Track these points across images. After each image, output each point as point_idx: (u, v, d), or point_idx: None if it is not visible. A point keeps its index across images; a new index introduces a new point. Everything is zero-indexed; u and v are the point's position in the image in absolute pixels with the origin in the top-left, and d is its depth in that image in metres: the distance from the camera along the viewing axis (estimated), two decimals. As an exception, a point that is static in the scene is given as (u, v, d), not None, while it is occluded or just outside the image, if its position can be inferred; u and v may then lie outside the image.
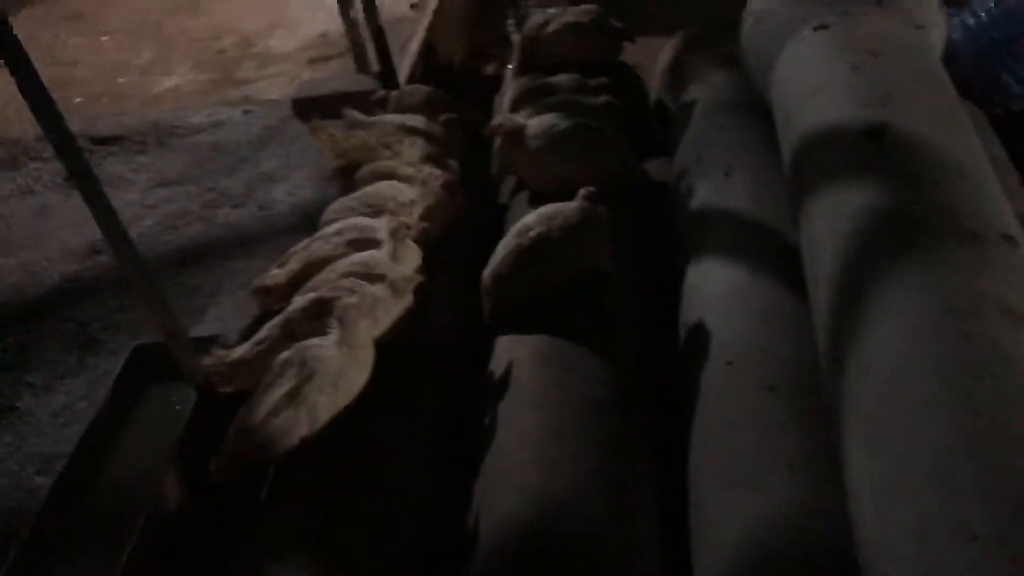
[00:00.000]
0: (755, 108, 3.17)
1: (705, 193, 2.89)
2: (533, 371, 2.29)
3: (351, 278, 2.34)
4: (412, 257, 2.44)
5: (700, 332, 2.42)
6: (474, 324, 2.63)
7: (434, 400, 2.41)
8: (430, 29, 4.72)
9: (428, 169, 2.78)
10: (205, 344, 2.41)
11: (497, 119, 3.00)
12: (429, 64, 4.57)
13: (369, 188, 2.77)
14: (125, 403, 2.38)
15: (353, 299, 2.20)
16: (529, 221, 2.48)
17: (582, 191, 2.47)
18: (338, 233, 2.57)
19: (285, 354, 2.17)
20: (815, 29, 2.60)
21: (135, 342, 2.59)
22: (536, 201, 2.97)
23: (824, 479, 1.87)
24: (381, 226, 2.54)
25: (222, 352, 2.27)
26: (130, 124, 4.13)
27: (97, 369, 2.65)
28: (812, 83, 2.45)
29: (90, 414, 2.37)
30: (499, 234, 3.11)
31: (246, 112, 4.13)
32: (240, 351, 2.27)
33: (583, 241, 2.47)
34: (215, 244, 3.16)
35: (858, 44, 2.45)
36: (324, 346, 2.16)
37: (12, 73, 1.70)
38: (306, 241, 2.63)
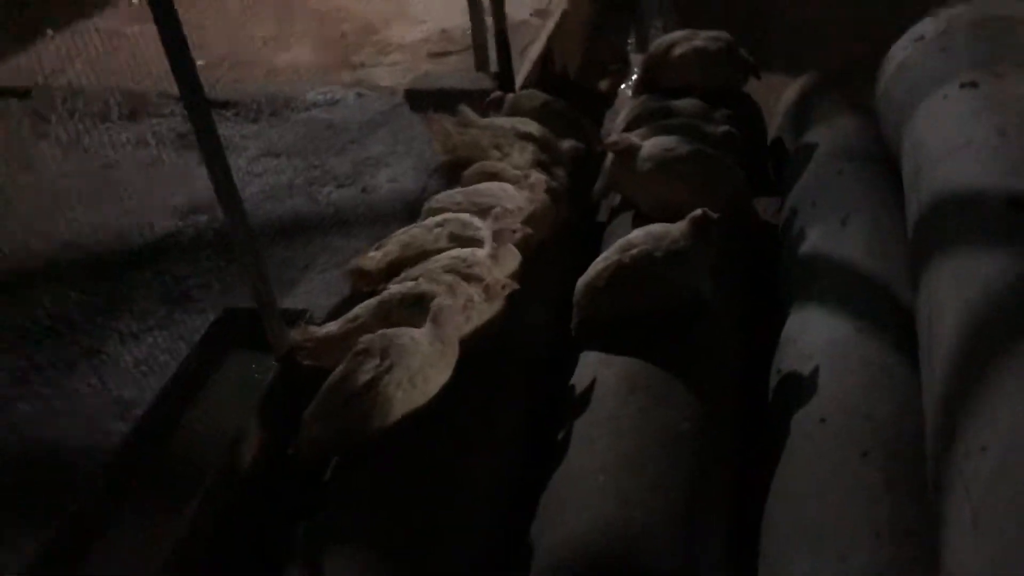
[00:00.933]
0: (880, 158, 3.06)
1: (818, 239, 2.80)
2: (618, 395, 2.24)
3: (451, 274, 2.34)
4: (511, 261, 2.43)
5: (795, 383, 2.33)
6: (563, 335, 2.60)
7: (514, 408, 2.38)
8: (551, 37, 4.72)
9: (536, 174, 2.76)
10: (293, 317, 2.44)
11: (612, 136, 2.97)
12: (546, 71, 4.57)
13: (478, 186, 2.77)
14: (207, 363, 2.41)
15: (449, 299, 2.20)
16: (635, 238, 2.43)
17: (695, 213, 2.40)
18: (440, 225, 2.57)
19: (367, 338, 2.17)
20: (962, 86, 2.50)
21: (225, 304, 2.63)
22: (639, 222, 2.93)
23: (912, 555, 1.78)
24: (484, 225, 2.54)
25: (311, 327, 2.29)
26: (247, 92, 4.24)
27: (184, 325, 2.70)
28: (952, 141, 2.35)
29: (171, 368, 2.42)
30: (597, 250, 3.08)
31: (360, 95, 4.19)
32: (330, 327, 2.29)
33: (686, 267, 2.41)
34: (314, 220, 3.20)
35: (1007, 106, 2.34)
36: (413, 338, 2.15)
37: (160, 29, 1.74)
38: (407, 228, 2.64)
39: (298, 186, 3.45)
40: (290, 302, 2.63)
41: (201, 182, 2.48)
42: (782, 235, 3.10)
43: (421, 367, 2.10)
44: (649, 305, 2.40)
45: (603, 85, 5.14)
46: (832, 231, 2.78)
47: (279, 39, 5.07)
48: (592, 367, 2.38)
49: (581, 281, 2.46)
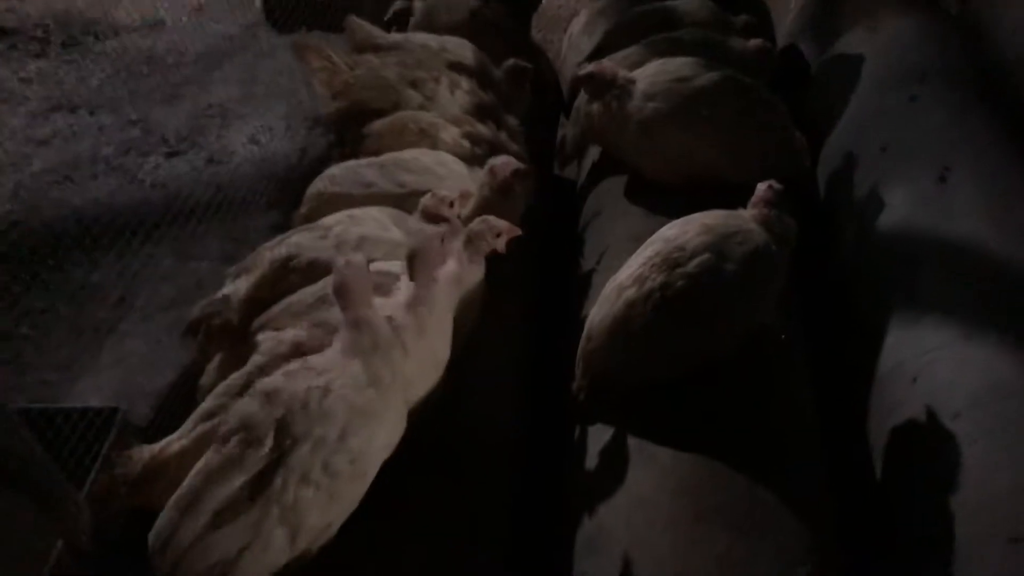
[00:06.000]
0: (967, 77, 2.28)
1: (905, 204, 2.08)
2: (678, 531, 1.38)
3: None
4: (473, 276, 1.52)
5: (937, 466, 1.56)
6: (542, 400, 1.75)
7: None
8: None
9: (503, 155, 1.81)
10: (102, 419, 1.46)
11: (588, 65, 2.02)
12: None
13: (400, 155, 1.78)
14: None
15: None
16: (683, 241, 1.50)
17: (761, 189, 1.53)
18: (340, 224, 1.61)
19: (243, 406, 1.30)
20: None
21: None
22: (635, 194, 2.05)
23: None
24: (414, 228, 1.59)
25: (137, 451, 1.32)
26: (27, 12, 3.09)
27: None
28: None
29: None
30: (570, 236, 2.18)
31: (196, 10, 3.09)
32: (167, 444, 1.37)
33: (768, 284, 1.53)
34: (135, 212, 2.16)
35: None
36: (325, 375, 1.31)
37: None
38: (284, 235, 1.66)
39: (108, 157, 2.46)
40: (91, 381, 1.62)
41: None
42: (829, 197, 2.27)
43: (348, 421, 1.30)
44: (708, 349, 1.51)
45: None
46: (926, 192, 2.07)
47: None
48: (617, 465, 1.50)
49: (595, 322, 1.55)
